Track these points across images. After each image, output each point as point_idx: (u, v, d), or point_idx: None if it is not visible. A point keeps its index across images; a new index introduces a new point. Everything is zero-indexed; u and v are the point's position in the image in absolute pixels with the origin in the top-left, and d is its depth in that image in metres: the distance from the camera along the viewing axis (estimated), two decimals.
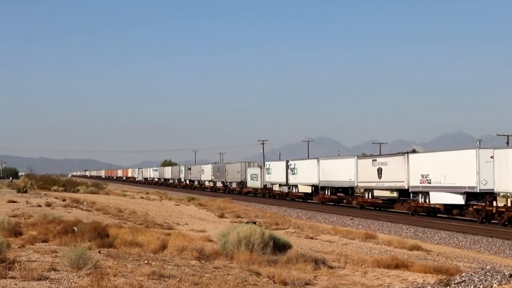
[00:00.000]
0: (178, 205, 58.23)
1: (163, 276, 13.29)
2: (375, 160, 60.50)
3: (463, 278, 15.37)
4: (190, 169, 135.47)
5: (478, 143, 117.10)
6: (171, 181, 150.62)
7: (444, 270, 19.86)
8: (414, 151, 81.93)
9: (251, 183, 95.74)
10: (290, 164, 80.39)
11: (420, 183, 51.46)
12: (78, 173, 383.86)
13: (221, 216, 48.05)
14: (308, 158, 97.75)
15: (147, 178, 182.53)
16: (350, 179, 63.46)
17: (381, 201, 58.62)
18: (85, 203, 46.11)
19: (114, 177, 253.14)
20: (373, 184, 59.22)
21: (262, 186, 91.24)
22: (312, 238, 34.00)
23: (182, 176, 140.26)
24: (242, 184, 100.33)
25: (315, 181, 72.04)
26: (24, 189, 60.58)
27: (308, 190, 75.36)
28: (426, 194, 50.90)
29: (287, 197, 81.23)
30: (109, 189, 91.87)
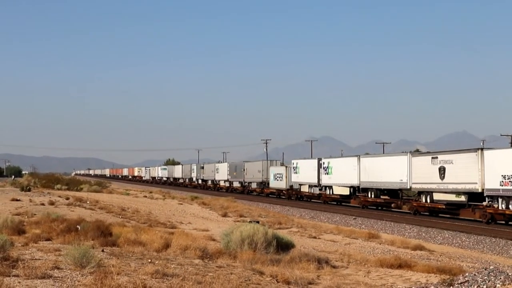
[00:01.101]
0: (181, 204, 58.24)
1: (166, 275, 13.29)
2: (436, 157, 51.54)
3: (466, 278, 15.35)
4: (203, 167, 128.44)
5: (481, 143, 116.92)
6: (181, 181, 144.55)
7: (447, 270, 19.83)
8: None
9: (275, 184, 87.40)
10: (323, 163, 72.02)
11: (501, 185, 42.98)
12: (82, 172, 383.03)
13: (224, 215, 48.05)
14: (344, 155, 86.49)
15: (154, 177, 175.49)
16: (401, 180, 55.46)
17: (443, 206, 50.35)
18: (88, 202, 46.16)
19: (120, 176, 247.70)
20: (433, 186, 50.89)
21: (288, 187, 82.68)
22: (315, 237, 33.98)
23: (193, 175, 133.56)
24: (264, 184, 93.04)
25: (354, 181, 63.91)
26: (28, 188, 60.68)
27: (345, 191, 66.97)
28: (509, 199, 42.72)
29: (319, 199, 73.44)
30: (113, 188, 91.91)
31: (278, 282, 15.00)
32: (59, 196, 50.75)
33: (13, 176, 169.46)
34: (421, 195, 53.38)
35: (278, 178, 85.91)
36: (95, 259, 13.62)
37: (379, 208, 60.90)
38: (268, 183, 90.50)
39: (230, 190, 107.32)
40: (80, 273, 12.89)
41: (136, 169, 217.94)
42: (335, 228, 40.42)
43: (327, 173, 70.26)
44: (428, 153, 57.72)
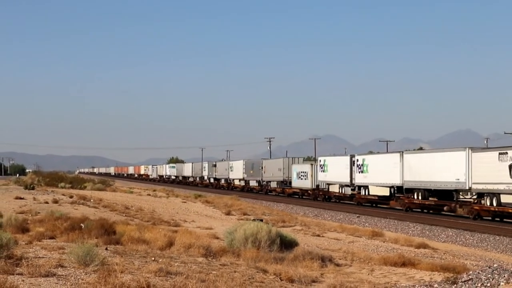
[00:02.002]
0: (185, 202, 58.29)
1: (170, 273, 13.30)
2: (505, 153, 43.52)
3: (470, 276, 15.35)
4: (215, 165, 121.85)
5: (485, 142, 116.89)
6: (191, 179, 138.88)
7: (451, 268, 19.82)
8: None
9: (298, 183, 79.62)
10: (357, 160, 64.77)
11: None
12: (86, 170, 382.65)
13: (228, 213, 48.07)
14: (385, 152, 77.40)
15: (162, 176, 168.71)
16: (458, 179, 48.03)
17: None
18: (92, 200, 46.24)
19: (125, 175, 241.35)
20: (501, 187, 43.40)
21: (314, 187, 75.37)
22: (319, 235, 33.99)
23: (205, 173, 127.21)
24: (285, 183, 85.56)
25: (396, 181, 56.72)
26: (31, 186, 60.79)
27: (385, 192, 59.89)
28: None
29: (351, 201, 66.84)
30: (116, 186, 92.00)
31: (281, 280, 15.01)
32: (63, 195, 50.83)
33: (17, 174, 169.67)
34: (484, 197, 46.20)
35: (302, 177, 78.46)
36: (98, 257, 13.64)
37: (427, 211, 54.59)
38: (290, 182, 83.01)
39: (246, 189, 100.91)
40: (84, 271, 12.91)
41: (142, 167, 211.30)
42: (338, 226, 40.41)
43: (362, 172, 63.09)
44: (494, 148, 50.50)
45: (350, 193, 66.86)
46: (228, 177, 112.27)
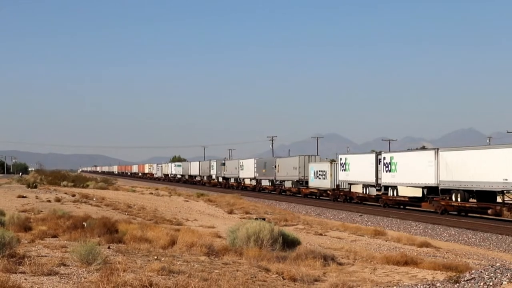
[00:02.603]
0: (187, 201, 58.30)
1: (172, 272, 13.30)
2: None
3: (472, 275, 15.33)
4: (224, 164, 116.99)
5: (488, 140, 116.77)
6: (198, 178, 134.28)
7: (453, 267, 19.80)
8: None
9: (316, 183, 74.65)
10: (384, 158, 59.66)
11: None
12: (89, 169, 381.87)
13: (230, 212, 48.07)
14: (414, 149, 69.33)
15: (167, 175, 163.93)
16: (506, 179, 42.72)
17: None
18: (94, 199, 46.27)
19: (129, 173, 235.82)
20: None
21: (334, 187, 70.45)
22: (321, 234, 33.98)
23: (213, 172, 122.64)
24: (300, 183, 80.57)
25: (430, 180, 51.54)
26: (34, 185, 60.92)
27: (416, 193, 54.46)
28: None
29: (377, 202, 61.73)
30: (119, 184, 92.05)
31: (284, 279, 15.00)
32: (65, 193, 50.90)
33: (20, 173, 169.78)
34: None
35: (320, 176, 73.40)
36: (101, 256, 13.64)
37: (465, 214, 48.92)
38: (307, 182, 78.17)
39: (258, 189, 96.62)
40: (86, 270, 12.91)
41: (146, 166, 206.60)
42: (341, 225, 40.40)
43: (390, 170, 58.16)
44: None
45: (375, 194, 61.96)
46: (238, 176, 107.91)
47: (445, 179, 49.63)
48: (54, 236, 20.44)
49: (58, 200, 42.10)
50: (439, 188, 50.54)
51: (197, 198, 62.48)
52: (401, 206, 57.94)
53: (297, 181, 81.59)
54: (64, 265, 13.41)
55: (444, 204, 50.11)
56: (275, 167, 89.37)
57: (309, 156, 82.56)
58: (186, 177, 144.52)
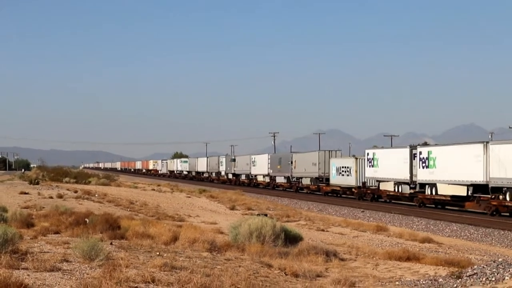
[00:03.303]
0: (189, 197, 58.34)
1: (174, 267, 13.31)
2: None
3: (475, 271, 15.34)
4: (234, 160, 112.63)
5: (490, 136, 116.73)
6: (205, 175, 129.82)
7: (455, 262, 19.82)
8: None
9: (339, 180, 69.62)
10: (420, 152, 54.57)
11: None
12: (91, 165, 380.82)
13: (232, 208, 48.11)
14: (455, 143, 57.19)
15: (173, 171, 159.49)
16: None
17: None
18: (96, 195, 46.33)
19: (132, 170, 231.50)
20: None
21: (359, 184, 65.30)
22: (323, 230, 34.00)
23: (222, 168, 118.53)
24: (320, 180, 75.54)
25: (477, 177, 46.31)
26: (36, 181, 60.93)
27: (460, 191, 48.71)
28: None
29: (412, 201, 56.51)
30: (121, 181, 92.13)
31: (286, 275, 15.02)
32: (68, 189, 50.95)
33: (22, 170, 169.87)
34: None
35: (343, 173, 68.23)
36: (103, 252, 13.65)
37: None
38: (327, 179, 73.32)
39: (272, 186, 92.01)
40: (89, 266, 12.93)
41: (151, 162, 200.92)
42: (343, 221, 40.43)
43: (427, 166, 52.74)
44: None
45: (409, 192, 56.64)
46: (250, 173, 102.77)
47: (497, 175, 43.96)
48: (57, 232, 20.46)
49: (60, 196, 42.14)
50: (489, 186, 45.05)
51: (199, 194, 62.53)
52: (439, 206, 53.22)
53: (316, 178, 76.52)
54: (67, 261, 13.43)
55: (495, 204, 44.82)
56: (292, 163, 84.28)
57: (329, 151, 77.41)
58: (193, 173, 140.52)
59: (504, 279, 14.24)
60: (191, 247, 18.24)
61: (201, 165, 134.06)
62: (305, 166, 79.81)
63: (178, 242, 18.99)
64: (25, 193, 43.55)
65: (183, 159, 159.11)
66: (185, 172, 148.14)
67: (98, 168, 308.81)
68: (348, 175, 67.28)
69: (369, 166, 63.43)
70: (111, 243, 17.11)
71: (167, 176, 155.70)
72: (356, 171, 65.75)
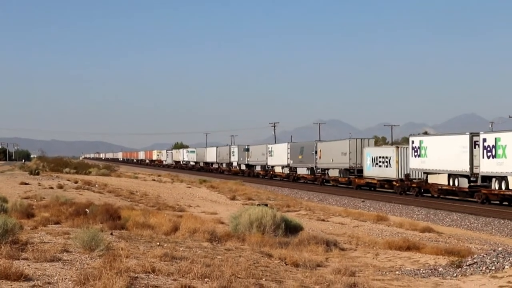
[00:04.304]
0: (189, 187, 58.37)
1: (175, 258, 13.32)
2: None
3: (475, 260, 15.36)
4: (248, 150, 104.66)
5: (490, 126, 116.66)
6: (215, 166, 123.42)
7: (455, 252, 19.84)
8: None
9: (375, 171, 61.69)
10: (484, 139, 46.47)
11: None
12: (92, 156, 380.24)
13: (233, 198, 48.12)
14: None
15: (179, 162, 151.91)
16: None
17: None
18: (97, 185, 46.35)
19: (135, 160, 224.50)
20: None
21: (401, 176, 57.21)
22: (323, 220, 34.01)
23: (233, 159, 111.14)
24: (351, 171, 67.58)
25: None
26: (36, 171, 60.98)
27: None
28: None
29: (471, 196, 48.35)
30: (121, 171, 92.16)
31: (286, 264, 15.03)
32: (68, 180, 50.96)
33: (22, 160, 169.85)
34: None
35: (381, 163, 60.33)
36: (104, 242, 13.65)
37: None
38: (360, 170, 65.81)
39: (292, 178, 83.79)
40: (89, 256, 12.93)
41: (155, 152, 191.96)
42: (343, 210, 40.45)
43: (494, 156, 44.80)
44: None
45: (467, 186, 48.66)
46: (266, 164, 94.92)
47: None
48: (57, 223, 20.47)
49: (60, 187, 42.15)
50: None
51: (200, 185, 62.56)
52: (506, 203, 45.23)
53: (346, 169, 68.43)
54: (67, 251, 13.43)
55: None
56: (316, 152, 75.81)
57: (362, 139, 69.67)
58: (201, 164, 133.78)
59: (504, 268, 14.26)
60: (191, 237, 18.25)
61: (210, 155, 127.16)
62: (333, 156, 71.30)
63: (179, 232, 19.01)
64: (26, 184, 43.55)
65: (189, 149, 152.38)
66: (192, 163, 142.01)
67: (99, 159, 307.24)
68: (386, 166, 59.37)
69: (415, 156, 55.10)
70: (111, 234, 17.11)
71: (172, 167, 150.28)
72: (397, 162, 57.82)
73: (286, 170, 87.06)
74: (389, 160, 58.94)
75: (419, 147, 54.68)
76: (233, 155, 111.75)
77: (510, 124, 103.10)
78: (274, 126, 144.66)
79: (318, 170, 76.38)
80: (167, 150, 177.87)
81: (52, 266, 11.66)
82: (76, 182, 47.99)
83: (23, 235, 15.39)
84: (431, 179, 53.10)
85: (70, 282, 10.38)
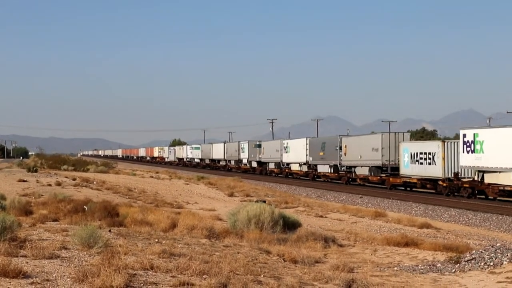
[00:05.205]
0: (187, 184, 58.34)
1: (173, 254, 13.32)
2: None
3: (473, 256, 15.38)
4: (260, 146, 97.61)
5: (488, 121, 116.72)
6: (222, 163, 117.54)
7: (454, 247, 19.86)
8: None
9: (415, 169, 54.39)
10: None
11: None
12: (90, 153, 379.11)
13: (231, 195, 48.13)
14: None
15: (182, 159, 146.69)
16: None
17: None
18: (95, 182, 46.34)
19: (135, 157, 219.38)
20: None
21: (449, 175, 50.13)
22: (321, 216, 34.04)
23: (243, 156, 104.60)
24: (385, 169, 60.70)
25: None
26: (34, 169, 60.89)
27: None
28: None
29: None
30: (119, 168, 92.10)
31: (285, 261, 15.04)
32: (66, 177, 50.94)
33: (20, 157, 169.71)
34: None
35: (422, 160, 53.30)
36: (102, 239, 13.65)
37: None
38: (395, 168, 59.07)
39: (312, 177, 77.15)
40: (88, 253, 12.93)
41: (156, 149, 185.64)
42: (341, 207, 40.47)
43: None
44: None
45: None
46: (281, 161, 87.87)
47: None
48: (55, 220, 20.46)
49: (58, 184, 42.14)
50: None
51: (198, 181, 62.54)
52: None
53: (377, 167, 61.38)
54: (65, 248, 13.43)
55: None
56: (340, 148, 69.06)
57: (396, 133, 62.61)
58: (207, 161, 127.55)
59: (502, 263, 14.27)
60: (189, 234, 18.25)
61: (217, 152, 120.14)
62: (361, 152, 63.99)
63: (177, 229, 19.01)
64: (24, 181, 43.53)
65: (194, 145, 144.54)
66: (196, 160, 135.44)
67: (98, 156, 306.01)
68: (429, 164, 52.20)
69: (467, 152, 47.20)
70: (109, 230, 17.10)
71: (175, 165, 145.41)
72: (444, 159, 50.44)
73: (304, 168, 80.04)
74: (433, 157, 51.85)
75: (472, 141, 46.60)
76: (243, 152, 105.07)
77: (508, 119, 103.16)
78: (272, 123, 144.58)
79: (343, 168, 69.37)
80: (169, 147, 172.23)
81: (50, 263, 11.65)
82: (74, 179, 47.97)
83: (21, 232, 15.38)
84: (489, 179, 45.31)
85: (68, 279, 10.38)
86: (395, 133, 62.72)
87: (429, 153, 52.56)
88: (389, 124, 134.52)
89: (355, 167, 66.41)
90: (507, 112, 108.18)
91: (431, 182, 52.89)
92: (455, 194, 49.26)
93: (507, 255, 14.60)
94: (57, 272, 10.94)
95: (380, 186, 62.13)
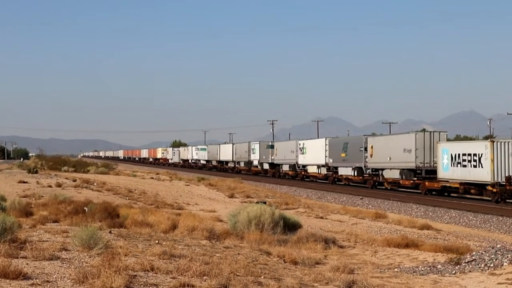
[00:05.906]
0: (188, 185, 58.34)
1: (173, 256, 13.32)
2: None
3: (473, 257, 15.37)
4: (272, 147, 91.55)
5: (488, 123, 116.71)
6: (230, 165, 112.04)
7: (454, 249, 19.85)
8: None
9: (456, 173, 48.34)
10: None
11: None
12: (90, 154, 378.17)
13: (231, 196, 48.13)
14: None
15: (187, 160, 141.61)
16: None
17: None
18: (95, 184, 46.32)
19: (136, 158, 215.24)
20: None
21: (499, 180, 43.90)
22: (322, 217, 34.03)
23: (254, 157, 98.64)
24: (419, 172, 55.05)
25: None
26: (35, 170, 60.92)
27: None
28: None
29: None
30: (119, 169, 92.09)
31: (285, 262, 15.03)
32: (66, 178, 50.94)
33: (21, 158, 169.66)
34: None
35: (466, 163, 47.24)
36: (102, 241, 13.64)
37: None
38: (431, 171, 53.83)
39: (332, 180, 71.14)
40: (88, 254, 12.92)
41: (159, 150, 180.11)
42: (342, 208, 40.46)
43: None
44: None
45: None
46: (297, 162, 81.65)
47: None
48: (55, 221, 20.44)
49: (59, 185, 42.14)
50: None
51: (198, 183, 62.54)
52: None
53: (410, 169, 55.73)
54: (66, 250, 13.42)
55: None
56: (366, 149, 63.43)
57: (431, 132, 56.70)
58: (214, 163, 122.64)
59: (502, 265, 14.27)
60: (190, 235, 18.24)
61: (225, 153, 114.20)
62: (391, 154, 58.43)
63: (177, 230, 19.00)
64: (24, 182, 43.53)
65: (200, 146, 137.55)
66: (202, 162, 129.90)
67: (98, 157, 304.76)
68: (475, 166, 46.26)
69: None
70: (110, 232, 17.10)
71: (180, 166, 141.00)
72: (492, 160, 44.30)
73: (324, 170, 74.18)
74: (480, 159, 45.79)
75: None
76: (253, 153, 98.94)
77: (508, 121, 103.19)
78: (273, 124, 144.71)
79: (368, 171, 63.82)
80: (173, 148, 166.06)
81: (51, 265, 11.65)
82: (74, 181, 47.97)
83: (21, 233, 15.37)
84: None
85: (69, 281, 10.38)
86: (431, 132, 57.14)
87: (475, 155, 46.49)
88: (390, 125, 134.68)
89: (382, 169, 60.88)
90: (508, 114, 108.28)
91: (477, 187, 47.01)
92: (506, 201, 43.84)
93: (508, 257, 14.60)
94: (58, 273, 10.93)
95: (413, 191, 56.49)
